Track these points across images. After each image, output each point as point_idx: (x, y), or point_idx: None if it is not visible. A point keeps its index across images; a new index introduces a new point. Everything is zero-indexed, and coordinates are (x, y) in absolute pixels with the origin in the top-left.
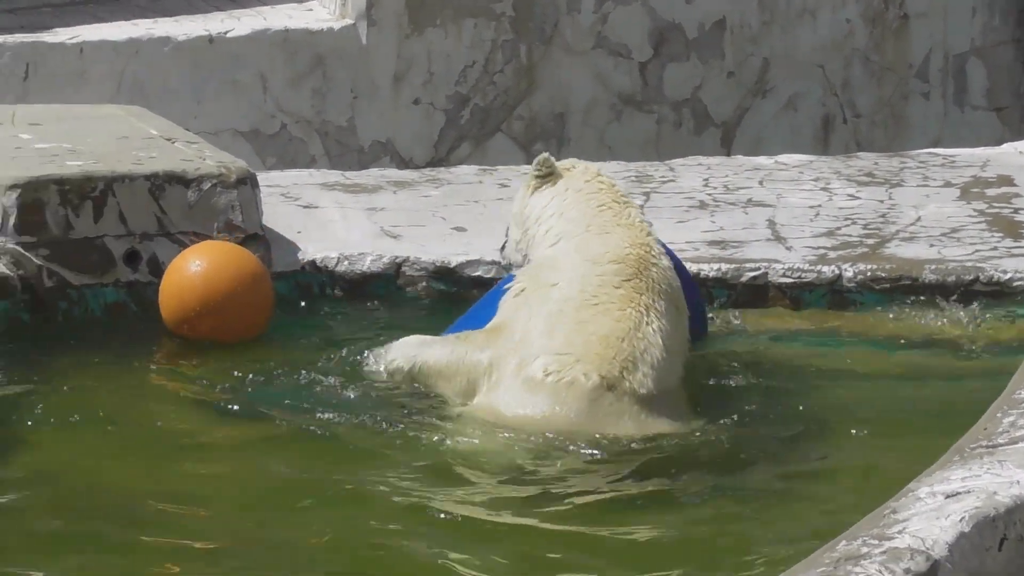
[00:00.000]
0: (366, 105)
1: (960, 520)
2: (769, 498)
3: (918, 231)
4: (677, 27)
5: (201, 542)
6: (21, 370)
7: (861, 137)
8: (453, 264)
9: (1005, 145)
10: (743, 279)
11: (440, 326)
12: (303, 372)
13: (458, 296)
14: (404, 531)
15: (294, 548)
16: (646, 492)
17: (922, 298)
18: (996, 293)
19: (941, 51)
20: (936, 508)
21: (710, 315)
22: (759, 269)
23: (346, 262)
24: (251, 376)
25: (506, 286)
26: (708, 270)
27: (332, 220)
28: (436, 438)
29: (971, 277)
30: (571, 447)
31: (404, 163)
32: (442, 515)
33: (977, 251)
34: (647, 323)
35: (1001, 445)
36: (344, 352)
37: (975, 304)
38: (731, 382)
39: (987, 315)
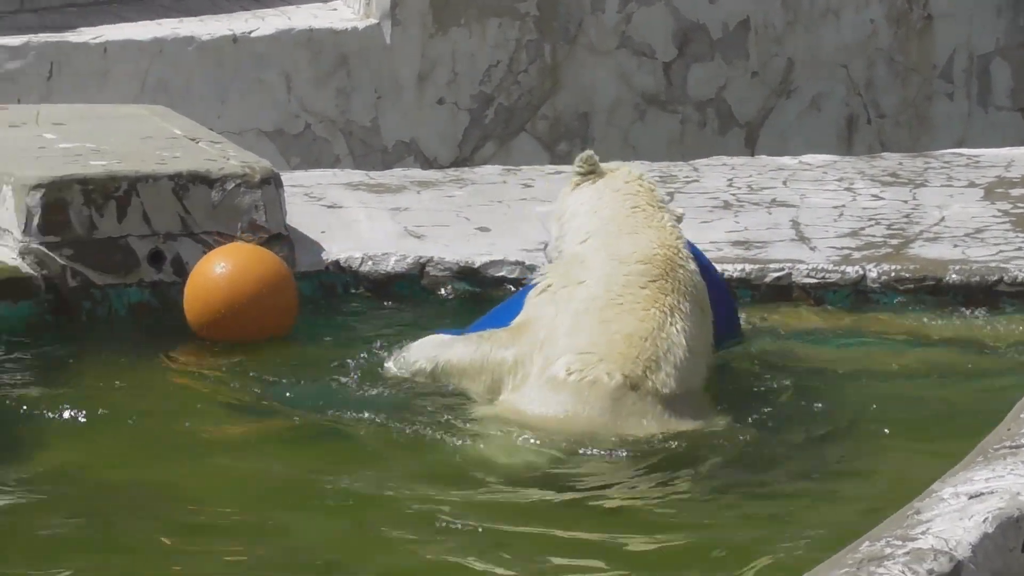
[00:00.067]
0: (390, 105)
1: (983, 521)
2: (791, 498)
3: (942, 231)
4: (701, 27)
5: (218, 542)
6: (44, 369)
7: (885, 137)
8: (477, 264)
9: None
10: (767, 279)
11: (464, 327)
12: (326, 372)
13: (482, 296)
14: (424, 532)
15: (312, 549)
16: (667, 492)
17: (946, 298)
18: (1020, 294)
19: (965, 51)
20: (959, 509)
21: None
22: (783, 269)
23: (370, 262)
24: (274, 376)
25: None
26: (732, 270)
27: (356, 220)
28: (457, 439)
29: (995, 278)
30: (594, 447)
31: (428, 163)
32: (461, 515)
33: (1001, 251)
34: (671, 323)
35: None
36: (367, 352)
37: (999, 304)
38: (754, 382)
39: (1011, 315)
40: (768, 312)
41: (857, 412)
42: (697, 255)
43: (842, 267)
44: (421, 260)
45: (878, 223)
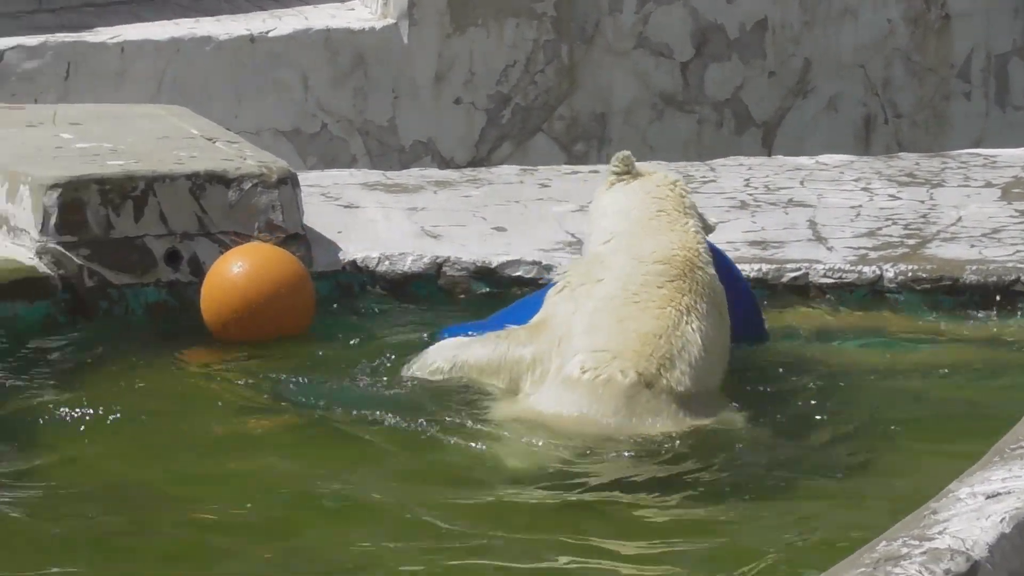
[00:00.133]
0: (407, 105)
1: (1001, 521)
2: (807, 498)
3: (959, 231)
4: (719, 27)
5: (229, 543)
6: (61, 369)
7: (902, 137)
8: (494, 264)
9: None
10: (784, 279)
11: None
12: (342, 373)
13: (498, 296)
14: (435, 534)
15: (322, 550)
16: (682, 491)
17: (962, 298)
18: None
19: (983, 51)
20: (976, 509)
21: None
22: (800, 269)
23: (387, 262)
24: (290, 377)
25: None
26: (749, 270)
27: (373, 220)
28: (471, 440)
29: (1012, 278)
30: (608, 446)
31: (445, 163)
32: (473, 516)
33: (1018, 251)
34: (687, 322)
35: None
36: (383, 352)
37: (1017, 304)
38: (769, 382)
39: None
40: (784, 312)
41: (873, 412)
42: (720, 256)
43: (859, 267)
44: (438, 260)
45: (895, 223)
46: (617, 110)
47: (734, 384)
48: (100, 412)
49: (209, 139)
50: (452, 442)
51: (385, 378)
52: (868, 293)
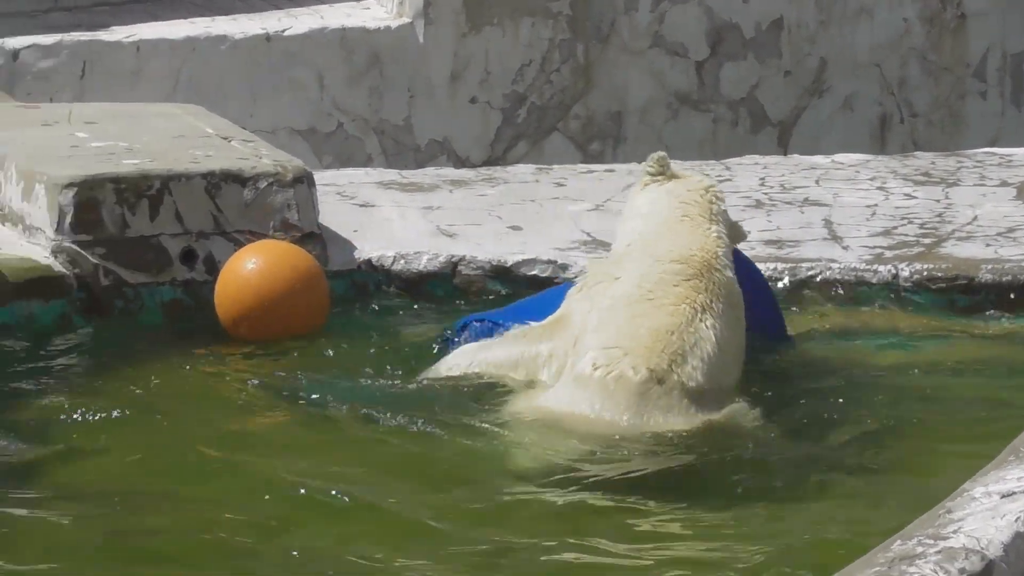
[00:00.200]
0: (423, 104)
1: (1016, 520)
2: (822, 496)
3: (974, 231)
4: (734, 26)
5: (236, 545)
6: (75, 368)
7: (918, 136)
8: (509, 263)
9: None
10: (799, 278)
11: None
12: (356, 373)
13: (514, 296)
14: (444, 534)
15: (328, 549)
16: (694, 488)
17: (978, 297)
18: None
19: (999, 50)
20: (991, 508)
21: None
22: (815, 268)
23: (402, 261)
24: (303, 377)
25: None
26: (764, 269)
27: (388, 219)
28: (482, 438)
29: None
30: (620, 443)
31: (460, 162)
32: (483, 516)
33: None
34: (701, 320)
35: None
36: (398, 351)
37: None
38: (784, 380)
39: None
40: (799, 311)
41: (887, 411)
42: (745, 263)
43: (874, 266)
44: (453, 259)
45: (911, 222)
46: (633, 109)
47: (747, 382)
48: (114, 412)
49: (225, 138)
50: (462, 441)
51: (399, 377)
52: (883, 292)
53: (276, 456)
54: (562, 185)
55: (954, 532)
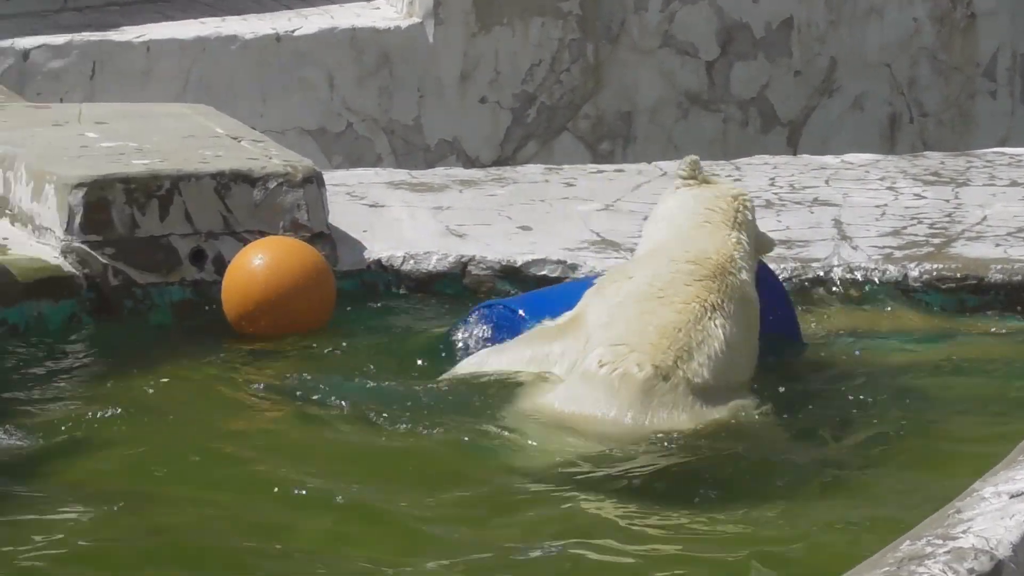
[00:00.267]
0: (432, 104)
1: None
2: (830, 496)
3: (984, 230)
4: (744, 26)
5: (243, 546)
6: (84, 368)
7: (928, 136)
8: (519, 263)
9: None
10: (809, 278)
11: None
12: (364, 374)
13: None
14: (449, 532)
15: (330, 548)
16: (698, 486)
17: (987, 297)
18: None
19: (1008, 50)
20: (1001, 508)
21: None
22: (825, 268)
23: (412, 261)
24: (311, 378)
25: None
26: (774, 269)
27: (398, 219)
28: (487, 436)
29: None
30: (624, 440)
31: (470, 162)
32: (487, 515)
33: None
34: (710, 318)
35: None
36: (406, 351)
37: None
38: (794, 380)
39: None
40: (808, 311)
41: (896, 410)
42: (767, 273)
43: (884, 266)
44: (463, 259)
45: (920, 222)
46: (642, 109)
47: (754, 381)
48: (121, 412)
49: (234, 138)
50: (466, 439)
51: (407, 377)
52: (893, 292)
53: (281, 457)
54: (572, 185)
55: (963, 532)
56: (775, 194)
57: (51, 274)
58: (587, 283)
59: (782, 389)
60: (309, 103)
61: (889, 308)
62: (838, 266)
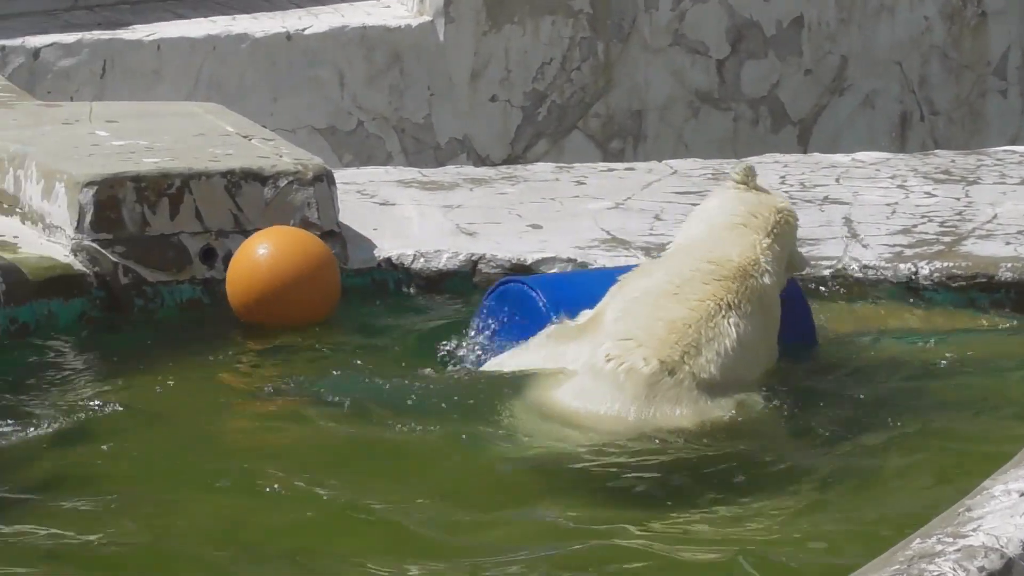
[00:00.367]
0: (443, 102)
1: None
2: (839, 493)
3: (995, 229)
4: (755, 24)
5: (235, 545)
6: (94, 367)
7: (938, 134)
8: (529, 261)
9: None
10: (819, 276)
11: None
12: (371, 372)
13: None
14: (451, 529)
15: (331, 545)
16: (700, 483)
17: (998, 296)
18: None
19: (1019, 48)
20: (1011, 506)
21: None
22: (835, 267)
23: (422, 259)
24: (318, 377)
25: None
26: None
27: (408, 217)
28: (491, 430)
29: None
30: (628, 435)
31: (481, 160)
32: (488, 511)
33: None
34: (724, 316)
35: None
36: (414, 350)
37: None
38: (803, 377)
39: None
40: (819, 309)
41: (905, 409)
42: (794, 287)
43: (894, 264)
44: (473, 257)
45: (930, 220)
46: (653, 107)
47: (765, 379)
48: (128, 411)
49: (245, 137)
50: (469, 435)
51: (415, 374)
52: (903, 290)
53: (285, 457)
54: (582, 183)
55: (973, 530)
56: (786, 192)
57: (61, 272)
58: (607, 271)
59: (790, 387)
60: (319, 101)
61: (899, 307)
62: (848, 264)
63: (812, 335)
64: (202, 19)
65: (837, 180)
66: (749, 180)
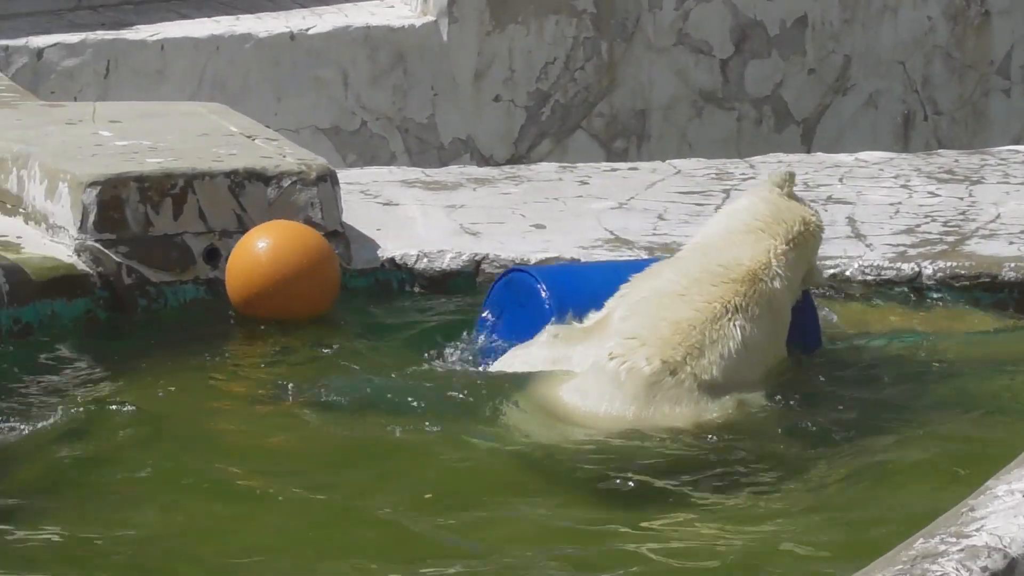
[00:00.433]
0: (447, 102)
1: None
2: (840, 493)
3: (998, 228)
4: (759, 24)
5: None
6: (98, 367)
7: (942, 134)
8: (532, 261)
9: None
10: (823, 276)
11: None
12: (372, 371)
13: None
14: (450, 527)
15: (330, 543)
16: (697, 482)
17: (1001, 295)
18: None
19: (1023, 48)
20: (1014, 506)
21: None
22: (839, 266)
23: (425, 259)
24: (321, 379)
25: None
26: None
27: (412, 217)
28: (491, 427)
29: None
30: (626, 434)
31: (484, 160)
32: (486, 507)
33: None
34: (730, 319)
35: None
36: (416, 350)
37: None
38: (807, 378)
39: None
40: (821, 309)
41: (910, 408)
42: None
43: (897, 264)
44: (476, 257)
45: (934, 220)
46: (657, 107)
47: (769, 380)
48: (133, 411)
49: (248, 137)
50: (468, 433)
51: (417, 374)
52: (906, 290)
53: (285, 456)
54: (586, 183)
55: (977, 530)
56: None
57: (65, 273)
58: (616, 265)
59: (791, 387)
60: (323, 102)
61: (902, 306)
62: (852, 264)
63: (817, 337)
64: (206, 19)
65: (840, 180)
66: (785, 185)
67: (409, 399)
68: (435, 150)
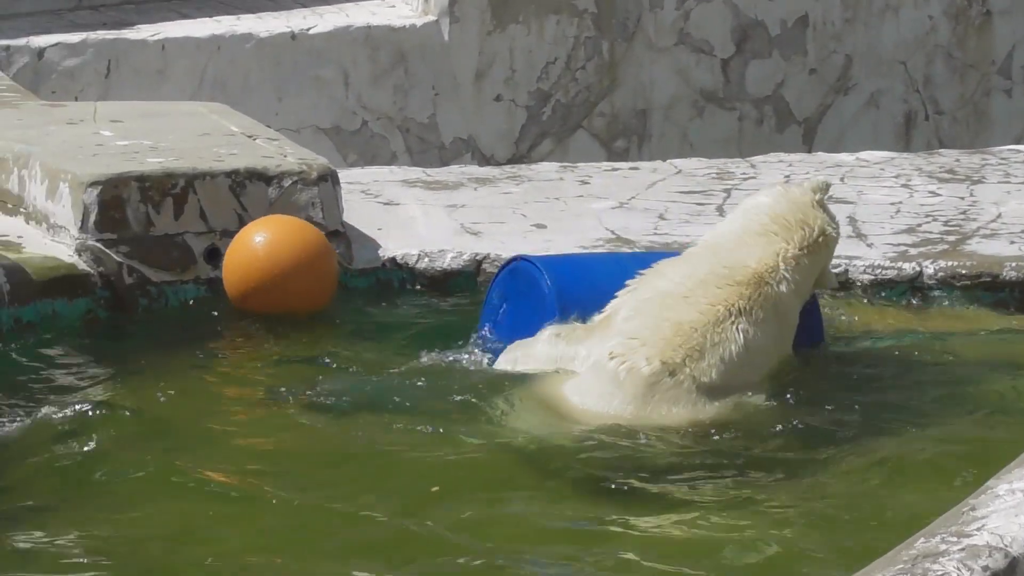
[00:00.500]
0: (448, 102)
1: None
2: (841, 494)
3: (999, 228)
4: (760, 24)
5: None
6: (98, 366)
7: (943, 134)
8: None
9: None
10: None
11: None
12: (372, 370)
13: None
14: (451, 524)
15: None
16: (698, 484)
17: (1002, 295)
18: None
19: None
20: (1015, 505)
21: None
22: (840, 266)
23: (426, 259)
24: (321, 379)
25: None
26: None
27: (413, 217)
28: (489, 425)
29: None
30: (624, 433)
31: (485, 160)
32: (483, 505)
33: None
34: (732, 322)
35: None
36: (415, 350)
37: None
38: (807, 378)
39: None
40: (822, 308)
41: (911, 407)
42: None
43: (899, 264)
44: (477, 257)
45: (935, 220)
46: (658, 107)
47: (769, 380)
48: (133, 411)
49: (249, 136)
50: (467, 431)
51: (417, 373)
52: (908, 289)
53: (284, 456)
54: (587, 183)
55: (978, 530)
56: None
57: (66, 272)
58: (619, 256)
59: (791, 387)
60: (324, 101)
61: (903, 306)
62: (853, 264)
63: (820, 336)
64: (207, 19)
65: (842, 179)
66: (819, 193)
67: (409, 399)
68: (436, 150)
